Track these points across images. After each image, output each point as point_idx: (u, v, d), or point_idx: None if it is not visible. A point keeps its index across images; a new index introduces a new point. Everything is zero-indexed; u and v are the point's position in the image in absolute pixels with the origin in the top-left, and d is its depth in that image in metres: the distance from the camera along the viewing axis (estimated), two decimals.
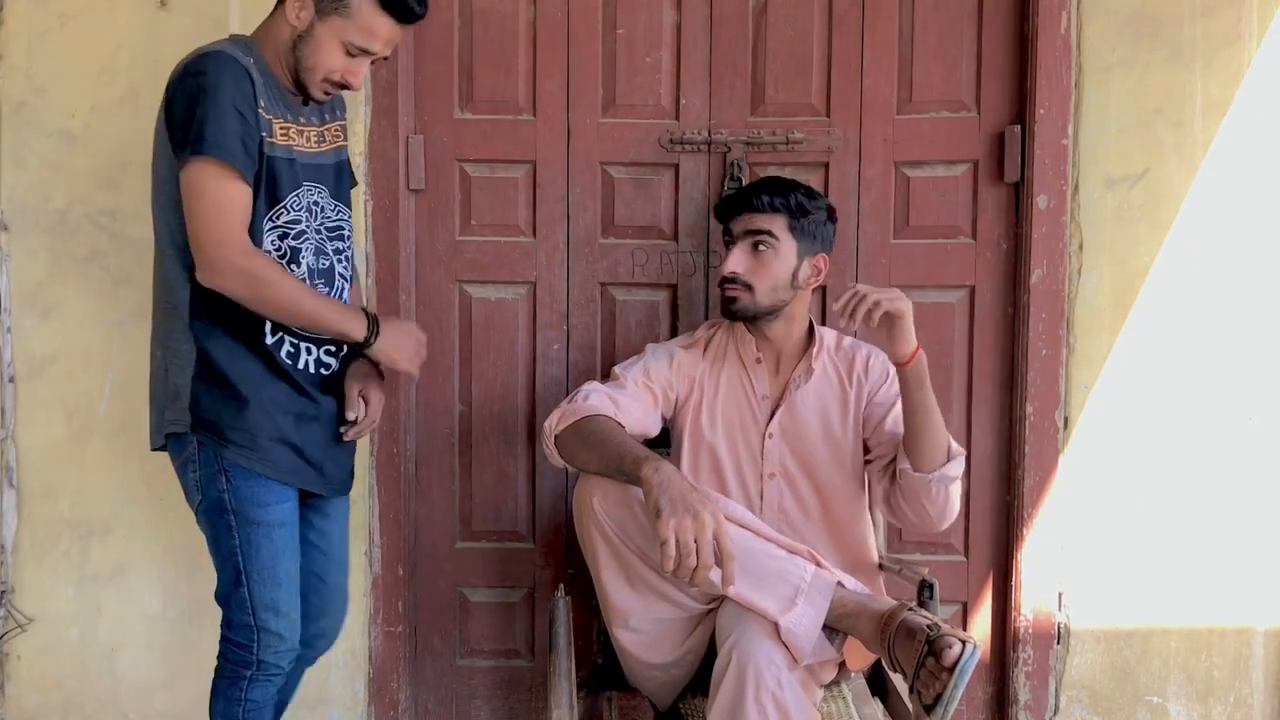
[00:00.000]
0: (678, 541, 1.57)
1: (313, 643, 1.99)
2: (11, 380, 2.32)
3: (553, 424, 1.90)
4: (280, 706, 1.99)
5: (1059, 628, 2.34)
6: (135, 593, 2.35)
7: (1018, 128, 2.31)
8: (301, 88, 1.79)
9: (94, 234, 2.30)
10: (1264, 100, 2.28)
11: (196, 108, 1.66)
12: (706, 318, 2.37)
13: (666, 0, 2.36)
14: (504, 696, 2.46)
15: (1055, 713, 2.35)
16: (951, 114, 2.35)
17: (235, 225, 1.69)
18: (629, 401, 1.96)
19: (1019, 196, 2.34)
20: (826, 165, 2.35)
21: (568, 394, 2.32)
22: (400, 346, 1.86)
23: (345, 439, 1.89)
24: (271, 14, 1.80)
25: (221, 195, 1.67)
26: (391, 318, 1.91)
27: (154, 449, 1.86)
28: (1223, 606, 2.33)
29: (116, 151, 2.29)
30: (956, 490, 1.91)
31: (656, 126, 2.36)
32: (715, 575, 1.61)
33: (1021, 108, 2.32)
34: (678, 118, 2.36)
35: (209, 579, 2.32)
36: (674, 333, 2.36)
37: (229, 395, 1.76)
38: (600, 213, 2.38)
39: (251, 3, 2.28)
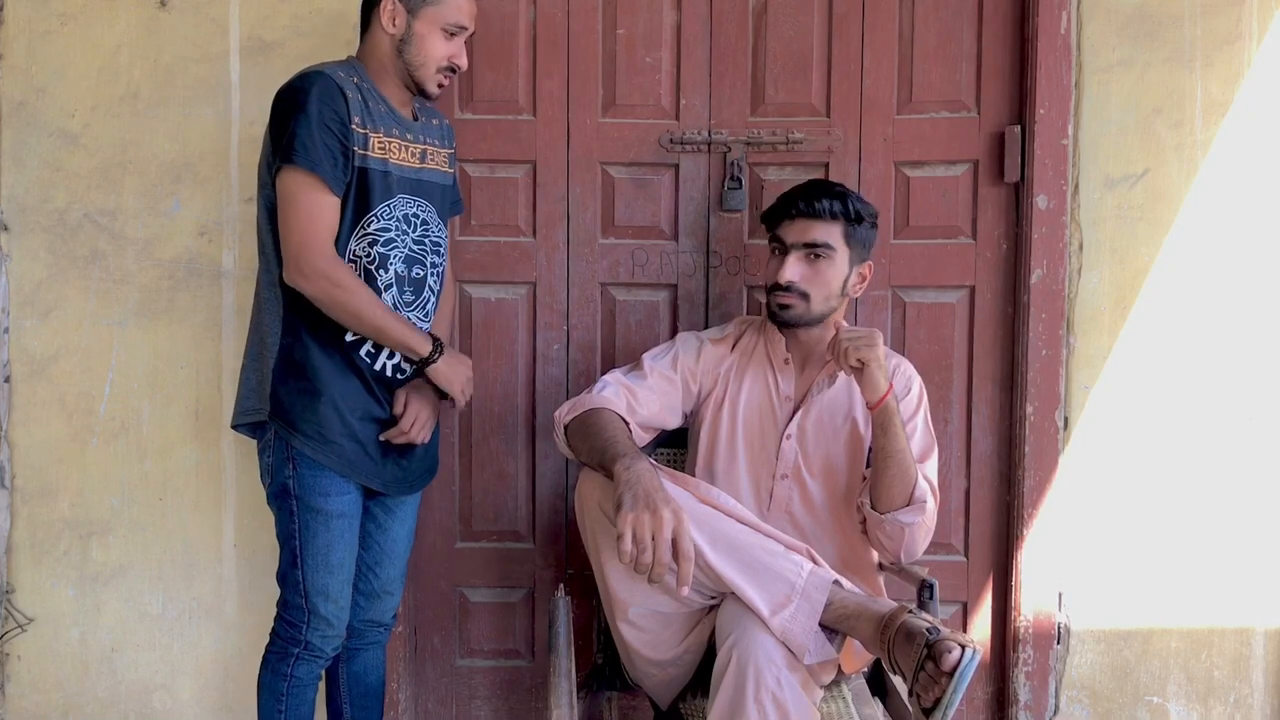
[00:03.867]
0: (635, 536, 1.59)
1: (367, 630, 2.08)
2: (8, 380, 2.32)
3: (563, 413, 1.95)
4: (370, 689, 2.11)
5: (1059, 628, 2.34)
6: (135, 593, 2.35)
7: (1018, 128, 2.31)
8: (417, 86, 1.93)
9: (94, 234, 2.31)
10: (1264, 100, 2.28)
11: (290, 121, 1.80)
12: (706, 318, 2.37)
13: (666, 0, 2.36)
14: (504, 696, 2.46)
15: (1055, 713, 2.35)
16: (951, 114, 2.35)
17: (322, 232, 1.82)
18: (648, 394, 1.99)
19: (1019, 196, 2.34)
20: (826, 165, 2.35)
21: (568, 394, 2.34)
22: (456, 372, 1.97)
23: (380, 438, 1.94)
24: (367, 33, 1.94)
25: (312, 205, 1.81)
26: (452, 349, 1.99)
27: (232, 425, 1.98)
28: (1223, 606, 2.33)
29: (116, 151, 2.30)
30: (917, 533, 1.92)
31: (656, 126, 2.36)
32: (674, 577, 1.63)
33: (1021, 108, 2.32)
34: (678, 118, 2.36)
35: (209, 579, 2.35)
36: (674, 333, 2.36)
37: (304, 388, 1.87)
38: (600, 213, 2.38)
39: (251, 3, 2.28)
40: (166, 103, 2.29)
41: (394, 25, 1.88)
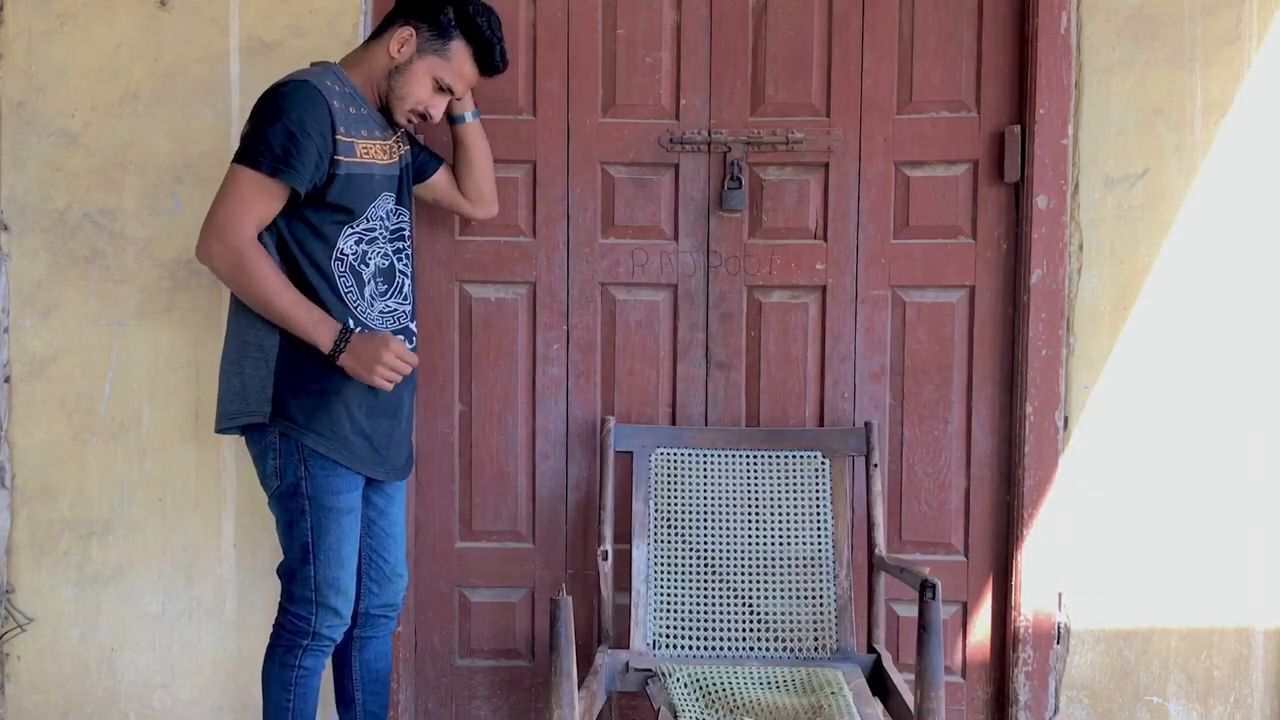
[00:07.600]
0: None
1: (381, 616, 2.12)
2: (8, 380, 2.32)
3: None
4: (380, 675, 2.15)
5: (1059, 628, 2.34)
6: (135, 593, 2.35)
7: (1018, 128, 2.31)
8: (387, 112, 1.97)
9: (94, 234, 2.31)
10: (1264, 100, 2.28)
11: (263, 124, 1.82)
12: (707, 317, 2.37)
13: (666, 0, 2.36)
14: (504, 696, 2.46)
15: (1055, 713, 2.35)
16: (951, 114, 2.35)
17: (249, 217, 1.83)
18: None
19: (1019, 196, 2.34)
20: (826, 165, 2.35)
21: (568, 394, 2.35)
22: (365, 364, 1.88)
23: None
24: (372, 42, 1.98)
25: (252, 194, 1.82)
26: (376, 337, 1.91)
27: (218, 431, 1.96)
28: (1223, 606, 2.33)
29: (116, 151, 2.29)
30: None
31: (656, 126, 2.36)
32: None
33: (1021, 108, 2.32)
34: (678, 118, 2.36)
35: (209, 579, 2.35)
36: (674, 332, 2.37)
37: (311, 389, 1.89)
38: (600, 213, 2.38)
39: (251, 3, 2.28)
40: (166, 103, 2.29)
41: (399, 52, 1.93)
